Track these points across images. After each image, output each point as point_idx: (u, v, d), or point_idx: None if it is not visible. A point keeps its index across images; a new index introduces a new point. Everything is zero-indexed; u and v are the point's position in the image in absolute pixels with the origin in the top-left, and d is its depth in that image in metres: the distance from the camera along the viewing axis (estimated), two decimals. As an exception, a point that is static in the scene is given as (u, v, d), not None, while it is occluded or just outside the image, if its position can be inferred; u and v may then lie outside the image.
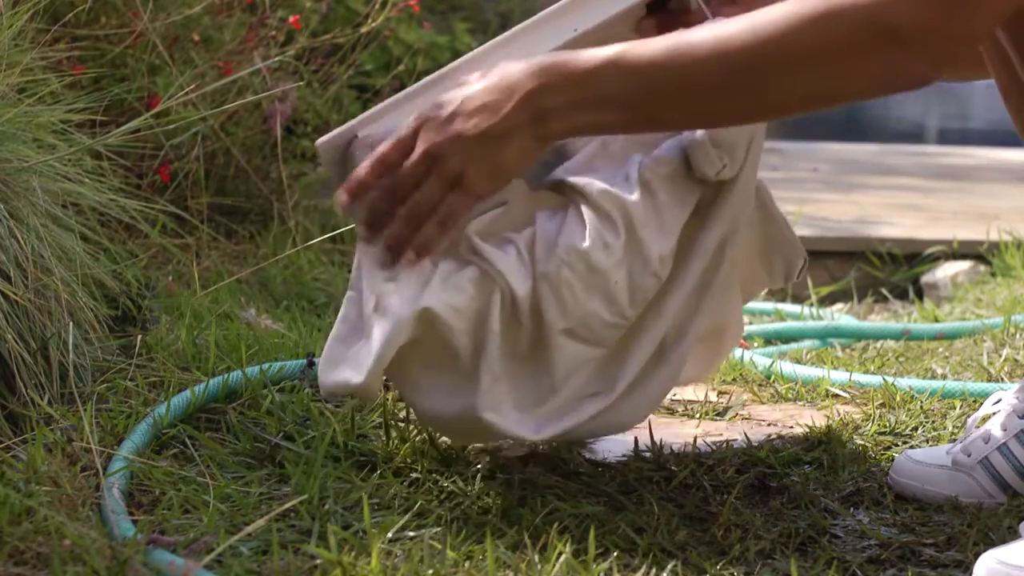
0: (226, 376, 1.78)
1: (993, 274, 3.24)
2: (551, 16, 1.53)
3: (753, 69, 1.27)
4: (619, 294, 1.52)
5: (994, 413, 1.61)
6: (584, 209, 1.52)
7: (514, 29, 1.53)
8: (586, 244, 1.50)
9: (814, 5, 1.24)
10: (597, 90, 1.31)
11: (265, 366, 1.83)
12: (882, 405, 1.92)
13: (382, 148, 1.40)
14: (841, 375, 2.04)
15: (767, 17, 1.26)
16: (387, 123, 1.48)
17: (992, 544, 1.41)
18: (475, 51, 1.51)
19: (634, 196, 1.52)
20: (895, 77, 1.26)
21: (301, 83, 3.06)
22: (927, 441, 1.78)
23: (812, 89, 1.29)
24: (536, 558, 1.33)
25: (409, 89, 1.50)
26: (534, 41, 1.51)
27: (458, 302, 1.46)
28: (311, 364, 1.85)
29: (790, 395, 2.01)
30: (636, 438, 1.68)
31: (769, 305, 2.85)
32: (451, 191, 1.37)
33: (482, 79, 1.37)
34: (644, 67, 1.30)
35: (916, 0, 1.22)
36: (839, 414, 1.86)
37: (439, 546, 1.35)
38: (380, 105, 1.50)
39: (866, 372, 2.12)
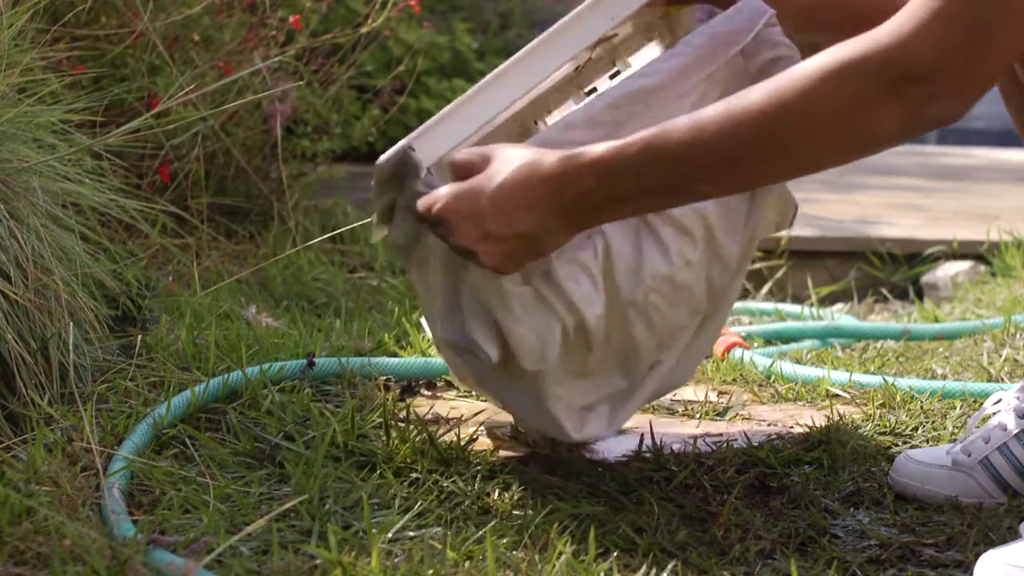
0: (226, 376, 1.78)
1: (993, 274, 3.24)
2: (588, 8, 1.56)
3: (779, 136, 1.28)
4: (700, 299, 1.60)
5: (994, 413, 1.61)
6: (660, 226, 1.55)
7: (555, 26, 1.56)
8: (671, 268, 1.55)
9: (828, 63, 1.24)
10: (631, 183, 1.35)
11: (265, 366, 1.83)
12: (882, 405, 1.92)
13: (420, 205, 1.46)
14: (841, 375, 2.04)
15: (785, 82, 1.26)
16: (441, 139, 1.50)
17: (992, 544, 1.41)
18: (522, 51, 1.55)
19: (711, 205, 1.57)
20: (923, 118, 1.24)
21: (301, 83, 3.06)
22: (927, 441, 1.78)
23: (842, 144, 1.28)
24: (536, 558, 1.33)
25: (456, 102, 1.52)
26: (575, 36, 1.56)
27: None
28: (311, 364, 1.85)
29: (790, 395, 2.01)
30: (641, 436, 1.68)
31: (769, 305, 2.85)
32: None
33: (513, 169, 1.40)
34: (672, 152, 1.32)
35: (934, 39, 1.20)
36: (839, 414, 1.86)
37: (439, 546, 1.35)
38: (431, 120, 1.52)
39: (866, 372, 2.12)
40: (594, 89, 1.73)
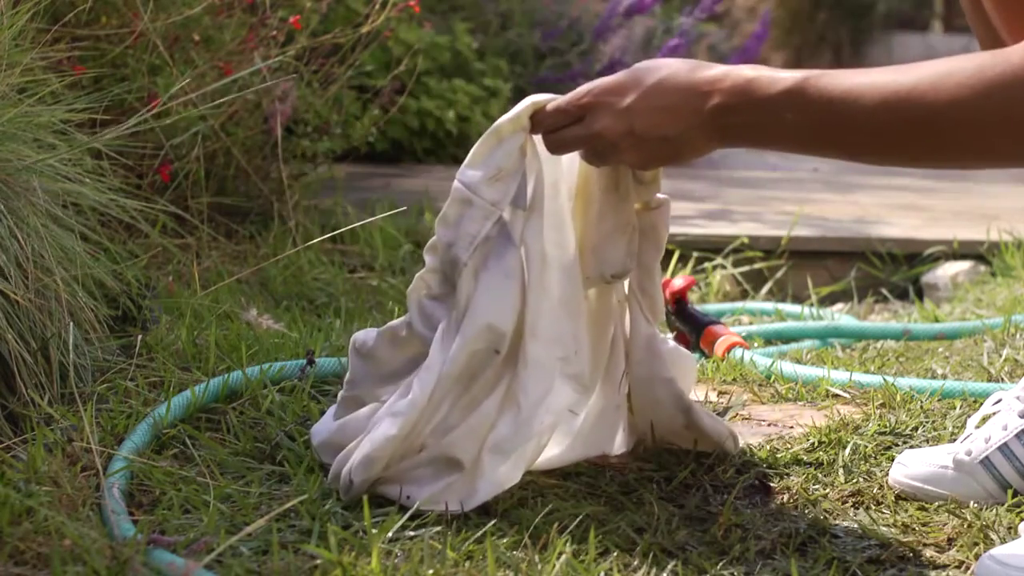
0: (226, 376, 1.78)
1: (993, 274, 3.24)
2: None
3: (930, 124, 1.26)
4: None
5: (994, 413, 1.61)
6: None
7: None
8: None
9: (1002, 70, 1.23)
10: (776, 116, 1.33)
11: (265, 366, 1.83)
12: (882, 405, 1.92)
13: (553, 106, 1.46)
14: (841, 375, 2.04)
15: (951, 74, 1.25)
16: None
17: (992, 544, 1.41)
18: None
19: None
20: None
21: (298, 77, 3.06)
22: (927, 441, 1.78)
23: (993, 151, 1.28)
24: (536, 558, 1.33)
25: None
26: None
27: None
28: (311, 363, 1.85)
29: (790, 395, 2.01)
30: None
31: (769, 305, 2.85)
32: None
33: (654, 73, 1.40)
34: (823, 103, 1.30)
35: None
36: (839, 414, 1.86)
37: (439, 546, 1.35)
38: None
39: (866, 372, 2.12)
40: None
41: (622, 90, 1.42)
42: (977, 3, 1.45)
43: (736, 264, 3.30)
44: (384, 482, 1.48)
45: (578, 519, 1.44)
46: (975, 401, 1.92)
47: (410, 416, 1.44)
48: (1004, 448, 1.57)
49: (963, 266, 3.31)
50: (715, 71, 1.38)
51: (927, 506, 1.56)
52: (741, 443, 1.72)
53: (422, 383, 1.45)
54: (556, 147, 1.49)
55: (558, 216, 1.57)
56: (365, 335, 1.56)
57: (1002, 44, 1.41)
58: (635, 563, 1.36)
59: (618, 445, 1.66)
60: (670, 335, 2.30)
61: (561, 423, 1.56)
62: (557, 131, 1.48)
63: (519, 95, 4.96)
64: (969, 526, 1.48)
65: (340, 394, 1.59)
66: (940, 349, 2.36)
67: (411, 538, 1.38)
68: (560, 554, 1.33)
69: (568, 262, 1.55)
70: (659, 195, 1.58)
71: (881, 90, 1.28)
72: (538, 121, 1.49)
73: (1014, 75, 1.22)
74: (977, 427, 1.61)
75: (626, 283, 1.62)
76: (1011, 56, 1.23)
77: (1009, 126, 1.23)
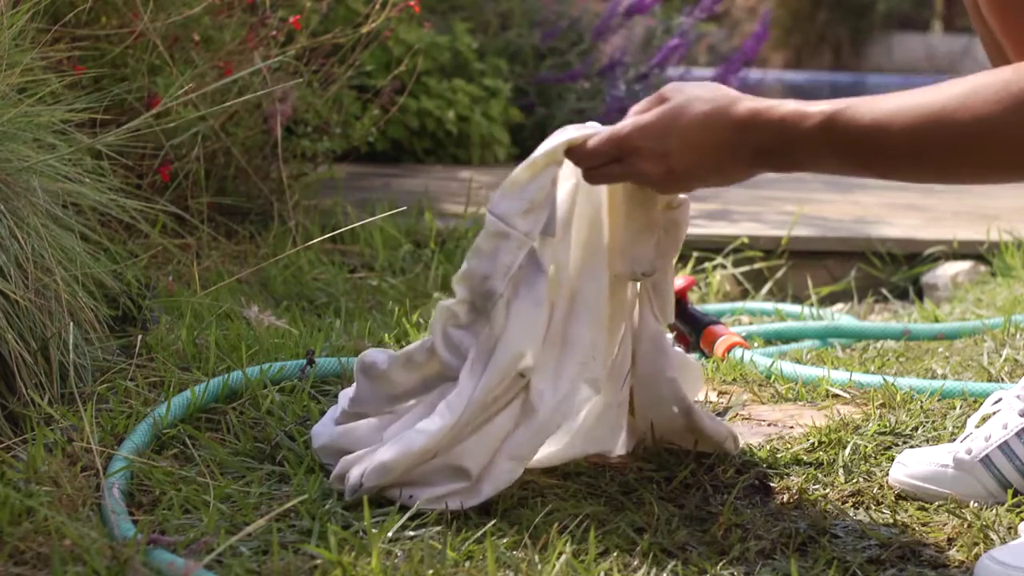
0: (226, 376, 1.78)
1: (993, 274, 3.24)
2: None
3: (961, 144, 1.28)
4: None
5: (994, 412, 1.61)
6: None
7: None
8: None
9: (1014, 83, 1.24)
10: (811, 151, 1.37)
11: (265, 366, 1.83)
12: (882, 405, 1.92)
13: (593, 145, 1.49)
14: (841, 375, 2.04)
15: (976, 92, 1.26)
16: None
17: (992, 544, 1.41)
18: None
19: None
20: None
21: (301, 79, 3.06)
22: (927, 441, 1.78)
23: (1012, 165, 1.29)
24: (536, 558, 1.33)
25: None
26: None
27: None
28: (311, 363, 1.85)
29: (790, 395, 2.01)
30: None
31: (769, 305, 2.85)
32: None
33: (688, 111, 1.43)
34: (854, 135, 1.33)
35: None
36: (839, 414, 1.86)
37: (439, 546, 1.35)
38: None
39: (866, 372, 2.12)
40: None
41: (659, 132, 1.44)
42: (976, 3, 1.45)
43: (736, 264, 3.30)
44: (389, 485, 1.48)
45: (578, 519, 1.44)
46: (975, 401, 1.93)
47: (437, 437, 1.47)
48: (1004, 447, 1.57)
49: (963, 266, 3.31)
50: (746, 109, 1.41)
51: (927, 506, 1.56)
52: (741, 443, 1.72)
53: (452, 409, 1.47)
54: (596, 181, 1.53)
55: (591, 217, 1.58)
56: (374, 356, 1.56)
57: (1000, 44, 1.41)
58: (635, 563, 1.36)
59: (619, 446, 1.66)
60: (670, 335, 2.30)
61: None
62: (596, 168, 1.51)
63: (519, 95, 4.98)
64: (969, 526, 1.48)
65: (342, 408, 1.59)
66: (940, 349, 2.36)
67: (411, 538, 1.38)
68: (560, 554, 1.33)
69: (596, 266, 1.56)
70: (680, 195, 1.60)
71: (909, 114, 1.30)
72: (576, 157, 1.51)
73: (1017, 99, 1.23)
74: (977, 426, 1.62)
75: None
76: None
77: None
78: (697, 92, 1.44)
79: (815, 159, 1.37)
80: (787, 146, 1.38)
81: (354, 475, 1.47)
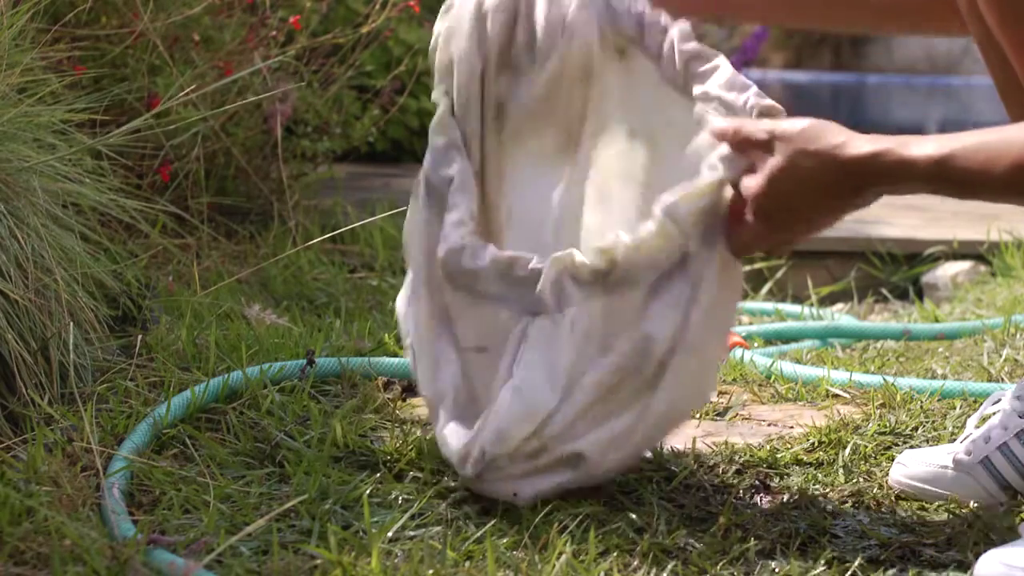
0: (226, 376, 1.78)
1: (993, 274, 3.23)
2: None
3: None
4: None
5: (994, 413, 1.61)
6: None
7: None
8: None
9: None
10: (918, 189, 1.40)
11: (265, 366, 1.83)
12: (882, 405, 1.92)
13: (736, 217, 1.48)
14: (841, 375, 2.04)
15: None
16: None
17: (992, 544, 1.41)
18: None
19: None
20: None
21: (302, 83, 3.06)
22: (927, 441, 1.78)
23: None
24: (536, 558, 1.33)
25: None
26: None
27: None
28: (311, 363, 1.85)
29: (790, 395, 2.01)
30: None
31: (769, 305, 2.85)
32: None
33: (821, 171, 1.42)
34: (961, 177, 1.36)
35: None
36: (839, 414, 1.86)
37: (439, 546, 1.35)
38: None
39: (866, 372, 2.12)
40: None
41: (783, 209, 1.44)
42: (973, 2, 1.45)
43: (736, 264, 3.30)
44: (492, 480, 1.48)
45: (578, 519, 1.44)
46: (975, 401, 1.93)
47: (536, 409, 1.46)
48: (1004, 448, 1.57)
49: (963, 266, 3.31)
50: (860, 153, 1.40)
51: (927, 506, 1.56)
52: (741, 443, 1.72)
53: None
54: (741, 251, 1.51)
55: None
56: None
57: (997, 44, 1.41)
58: (635, 563, 1.36)
59: None
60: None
61: None
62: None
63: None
64: (969, 526, 1.48)
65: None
66: (940, 349, 2.36)
67: (411, 538, 1.38)
68: (560, 554, 1.33)
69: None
70: None
71: (1014, 152, 1.33)
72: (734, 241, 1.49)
73: None
74: (977, 427, 1.61)
75: None
76: None
77: None
78: (802, 145, 1.43)
79: (930, 192, 1.40)
80: (896, 188, 1.41)
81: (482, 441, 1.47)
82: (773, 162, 1.42)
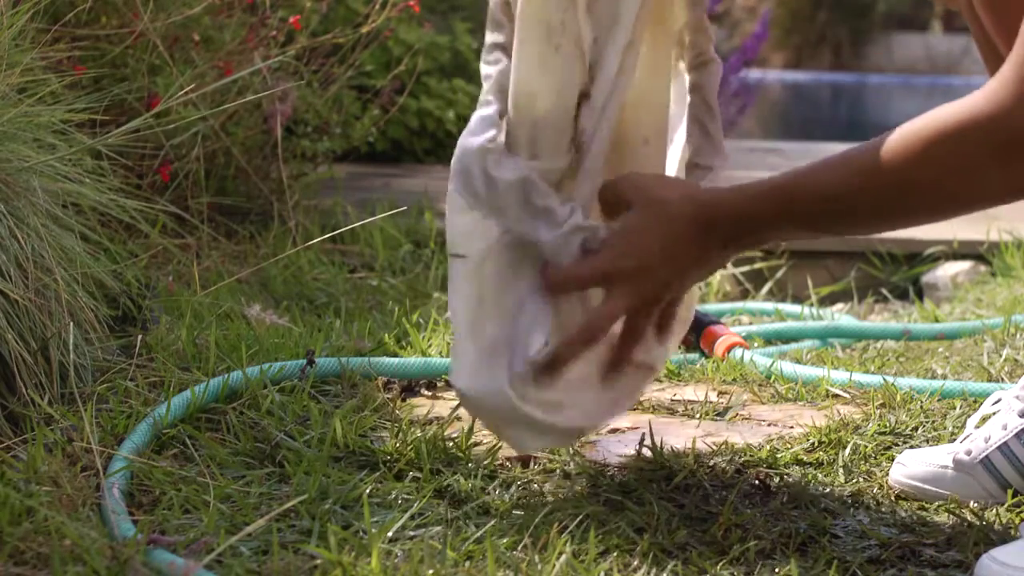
0: (226, 376, 1.78)
1: (993, 274, 3.24)
2: None
3: (892, 200, 1.33)
4: None
5: (994, 413, 1.61)
6: None
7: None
8: None
9: (933, 127, 1.28)
10: (769, 232, 1.42)
11: (265, 366, 1.83)
12: (882, 405, 1.92)
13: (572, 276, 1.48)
14: (841, 375, 2.04)
15: (889, 149, 1.31)
16: None
17: (992, 544, 1.41)
18: None
19: None
20: None
21: (302, 83, 3.06)
22: (927, 441, 1.78)
23: (945, 204, 1.33)
24: (536, 558, 1.33)
25: None
26: None
27: None
28: (311, 363, 1.85)
29: (790, 395, 2.01)
30: (641, 436, 1.68)
31: (769, 305, 2.85)
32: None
33: (645, 218, 1.44)
34: (803, 208, 1.38)
35: None
36: (839, 414, 1.86)
37: (439, 546, 1.35)
38: None
39: (866, 372, 2.12)
40: None
41: (641, 267, 1.45)
42: (971, 3, 1.45)
43: (736, 264, 3.30)
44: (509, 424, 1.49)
45: (578, 519, 1.44)
46: (975, 401, 1.93)
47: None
48: (1004, 448, 1.57)
49: (963, 266, 3.31)
50: (697, 205, 1.43)
51: (927, 506, 1.56)
52: (741, 443, 1.72)
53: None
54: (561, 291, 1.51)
55: None
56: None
57: (994, 44, 1.41)
58: (635, 563, 1.36)
59: None
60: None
61: None
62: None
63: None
64: (969, 526, 1.48)
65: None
66: (940, 349, 2.36)
67: (411, 538, 1.38)
68: (560, 554, 1.33)
69: None
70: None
71: (845, 175, 1.35)
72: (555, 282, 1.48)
73: (943, 137, 1.29)
74: (977, 427, 1.61)
75: None
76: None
77: (953, 178, 1.30)
78: (658, 193, 1.45)
79: (778, 232, 1.42)
80: (752, 235, 1.42)
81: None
82: (630, 223, 1.45)
